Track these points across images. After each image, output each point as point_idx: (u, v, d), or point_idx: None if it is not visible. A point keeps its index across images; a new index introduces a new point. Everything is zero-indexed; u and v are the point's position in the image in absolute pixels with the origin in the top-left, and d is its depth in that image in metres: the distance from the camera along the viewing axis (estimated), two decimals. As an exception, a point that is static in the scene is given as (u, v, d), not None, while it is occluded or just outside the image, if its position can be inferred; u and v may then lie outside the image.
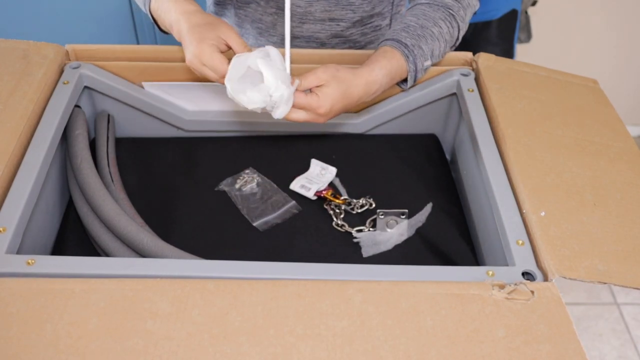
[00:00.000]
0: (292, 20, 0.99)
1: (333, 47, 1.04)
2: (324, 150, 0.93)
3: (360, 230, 0.81)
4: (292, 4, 0.96)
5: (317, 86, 0.75)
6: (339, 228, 0.82)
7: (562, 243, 0.66)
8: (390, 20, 1.08)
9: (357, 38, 1.04)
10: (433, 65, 0.89)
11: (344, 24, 1.01)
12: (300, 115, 0.76)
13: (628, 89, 2.32)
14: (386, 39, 0.84)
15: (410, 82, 0.86)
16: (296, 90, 0.74)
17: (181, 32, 0.79)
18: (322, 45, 1.03)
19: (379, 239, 0.80)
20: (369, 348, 0.56)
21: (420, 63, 0.84)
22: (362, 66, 0.80)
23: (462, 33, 0.90)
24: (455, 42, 0.90)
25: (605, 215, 0.70)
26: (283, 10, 0.97)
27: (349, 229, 0.81)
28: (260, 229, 0.81)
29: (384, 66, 0.80)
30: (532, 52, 2.14)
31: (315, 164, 0.90)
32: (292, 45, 1.02)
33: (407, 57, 0.82)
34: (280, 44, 1.02)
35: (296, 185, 0.86)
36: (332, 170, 0.89)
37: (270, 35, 1.02)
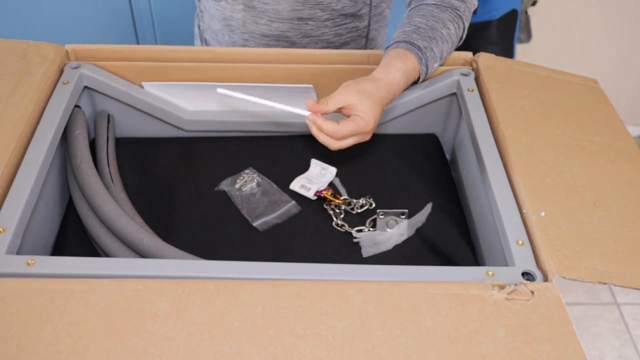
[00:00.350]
0: (261, 18, 0.99)
1: (304, 47, 1.04)
2: (324, 150, 0.92)
3: (360, 230, 0.81)
4: (259, 2, 0.97)
5: (349, 108, 0.76)
6: (339, 228, 0.82)
7: (562, 243, 0.66)
8: (369, 22, 1.07)
9: (330, 38, 1.04)
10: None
11: (313, 23, 1.01)
12: (350, 141, 0.77)
13: (628, 89, 2.32)
14: (398, 41, 0.84)
15: (418, 83, 0.86)
16: (325, 118, 0.77)
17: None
18: (293, 44, 1.03)
19: (379, 239, 0.80)
20: (369, 348, 0.56)
21: (431, 65, 0.84)
22: (378, 71, 0.80)
23: (465, 33, 0.90)
24: (459, 42, 0.90)
25: (606, 215, 0.70)
26: (250, 7, 0.98)
27: (349, 229, 0.81)
28: (260, 229, 0.81)
29: (399, 67, 0.80)
30: (532, 52, 2.14)
31: (315, 164, 0.90)
32: (263, 44, 1.03)
33: (421, 59, 0.82)
34: (250, 42, 1.03)
35: (296, 185, 0.86)
36: (332, 170, 0.89)
37: (242, 33, 1.02)
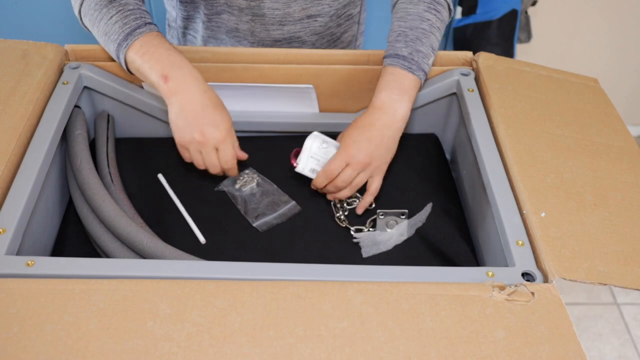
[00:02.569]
0: (271, 24, 0.99)
1: (313, 44, 1.04)
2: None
3: (360, 230, 0.81)
4: (269, 8, 0.96)
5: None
6: (340, 223, 0.82)
7: (562, 244, 0.66)
8: (361, 7, 1.08)
9: (333, 30, 1.05)
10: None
11: (321, 19, 1.01)
12: (346, 175, 0.79)
13: (628, 88, 2.31)
14: (385, 57, 0.84)
15: (423, 84, 0.86)
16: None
17: (208, 94, 0.77)
18: (303, 43, 1.03)
19: (379, 239, 0.80)
20: (369, 349, 0.56)
21: (425, 64, 0.83)
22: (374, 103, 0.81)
23: (451, 7, 0.89)
24: (449, 20, 0.90)
25: (606, 215, 0.70)
26: (259, 17, 0.97)
27: (349, 226, 0.81)
28: (260, 230, 0.81)
29: (383, 87, 0.81)
30: (532, 52, 2.14)
31: (314, 138, 0.83)
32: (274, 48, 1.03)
33: (410, 68, 0.81)
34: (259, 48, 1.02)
35: (305, 168, 0.83)
36: (334, 144, 0.84)
37: (250, 43, 1.02)
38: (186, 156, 0.80)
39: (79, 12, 0.83)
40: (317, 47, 1.05)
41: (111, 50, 0.79)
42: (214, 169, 0.80)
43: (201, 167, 0.80)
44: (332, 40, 1.06)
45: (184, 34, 1.08)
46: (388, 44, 0.85)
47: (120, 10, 0.78)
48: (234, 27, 1.00)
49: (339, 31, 1.06)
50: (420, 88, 0.84)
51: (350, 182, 0.80)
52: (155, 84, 0.76)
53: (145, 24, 0.78)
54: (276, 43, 1.02)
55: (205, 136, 0.76)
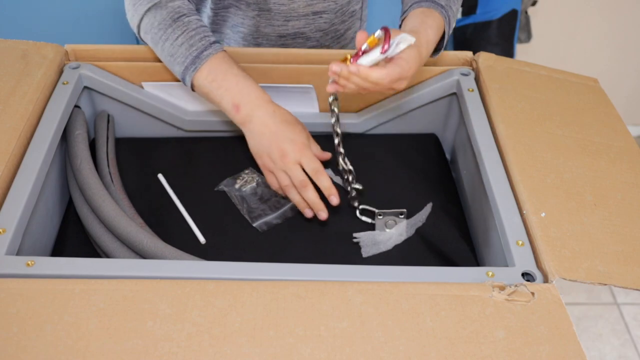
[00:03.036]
0: (276, 19, 0.99)
1: (317, 40, 1.04)
2: (324, 150, 0.93)
3: (366, 211, 0.81)
4: (275, 3, 0.96)
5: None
6: (352, 201, 0.82)
7: (562, 244, 0.66)
8: (362, 3, 1.08)
9: (337, 27, 1.05)
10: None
11: (326, 16, 1.01)
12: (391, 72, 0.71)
13: (628, 88, 2.31)
14: (418, 1, 0.82)
15: (441, 48, 0.85)
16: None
17: (278, 114, 0.78)
18: (307, 40, 1.03)
19: (379, 239, 0.80)
20: (369, 349, 0.56)
21: (452, 24, 0.83)
22: (415, 26, 0.79)
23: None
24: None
25: (606, 215, 0.70)
26: (265, 12, 0.97)
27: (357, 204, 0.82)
28: (260, 230, 0.81)
29: (431, 25, 0.80)
30: (532, 52, 2.14)
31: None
32: (279, 44, 1.02)
33: (445, 17, 0.81)
34: (265, 46, 1.03)
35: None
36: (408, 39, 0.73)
37: (254, 38, 1.02)
38: (273, 183, 0.79)
39: (138, 27, 0.84)
40: (321, 44, 1.05)
41: (176, 71, 0.80)
42: (304, 184, 0.77)
43: (291, 190, 0.78)
44: (336, 37, 1.06)
45: None
46: None
47: (185, 31, 0.79)
48: (240, 22, 1.00)
49: (343, 28, 1.06)
50: (437, 50, 0.84)
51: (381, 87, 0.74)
52: (228, 113, 0.79)
53: (211, 44, 0.79)
54: (280, 39, 1.02)
55: (284, 153, 0.76)
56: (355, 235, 0.80)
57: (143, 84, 0.91)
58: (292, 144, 0.76)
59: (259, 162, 0.79)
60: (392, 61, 0.73)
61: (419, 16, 0.81)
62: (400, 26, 0.85)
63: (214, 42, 0.80)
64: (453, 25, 0.85)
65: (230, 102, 0.77)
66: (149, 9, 0.81)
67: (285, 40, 1.02)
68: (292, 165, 0.77)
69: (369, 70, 0.71)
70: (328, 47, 1.06)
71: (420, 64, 0.76)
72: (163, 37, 0.80)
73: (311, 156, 0.78)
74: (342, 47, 1.09)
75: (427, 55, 0.80)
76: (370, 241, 0.80)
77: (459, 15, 1.87)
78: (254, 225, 0.82)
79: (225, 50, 0.81)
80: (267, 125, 0.77)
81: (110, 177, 0.83)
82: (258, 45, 1.03)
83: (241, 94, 0.77)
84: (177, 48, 0.79)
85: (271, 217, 0.83)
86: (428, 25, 0.80)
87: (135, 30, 0.85)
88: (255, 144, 0.78)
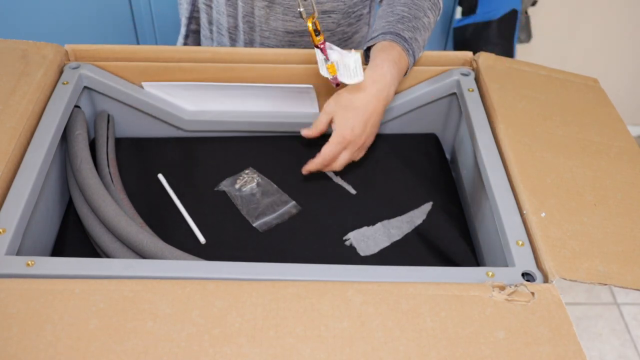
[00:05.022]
0: (285, 14, 0.99)
1: (325, 41, 1.04)
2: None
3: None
4: None
5: (332, 123, 0.82)
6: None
7: (562, 244, 0.66)
8: (370, 9, 1.09)
9: (345, 29, 1.05)
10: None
11: (334, 16, 1.01)
12: (342, 158, 0.82)
13: (628, 88, 2.31)
14: (383, 33, 0.84)
15: (405, 75, 0.87)
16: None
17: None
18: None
19: (368, 233, 0.80)
20: (369, 349, 0.55)
21: (417, 55, 0.85)
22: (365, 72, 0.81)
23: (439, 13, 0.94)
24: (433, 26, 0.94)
25: (606, 215, 0.70)
26: (275, 3, 0.97)
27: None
28: (260, 230, 0.81)
29: (385, 58, 0.82)
30: (532, 52, 2.14)
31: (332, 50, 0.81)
32: (286, 42, 1.02)
33: (407, 50, 0.83)
34: (273, 39, 1.02)
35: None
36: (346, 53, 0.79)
37: (262, 30, 1.02)
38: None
39: None
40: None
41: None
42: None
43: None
44: (343, 39, 1.06)
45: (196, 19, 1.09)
46: (386, 23, 0.86)
47: None
48: (250, 11, 1.00)
49: (351, 31, 1.06)
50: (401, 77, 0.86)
51: (345, 162, 0.83)
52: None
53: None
54: (287, 35, 1.02)
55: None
56: (344, 237, 0.80)
57: (143, 84, 0.90)
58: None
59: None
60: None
61: (376, 53, 0.84)
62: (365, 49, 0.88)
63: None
64: (418, 54, 0.86)
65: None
66: None
67: (292, 37, 1.02)
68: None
69: (311, 162, 0.82)
70: None
71: (361, 120, 0.80)
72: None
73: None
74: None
75: (386, 87, 0.81)
76: (361, 237, 0.80)
77: (459, 15, 1.87)
78: (254, 225, 0.82)
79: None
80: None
81: (110, 177, 0.83)
82: (266, 38, 1.03)
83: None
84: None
85: (271, 217, 0.83)
86: (381, 60, 0.82)
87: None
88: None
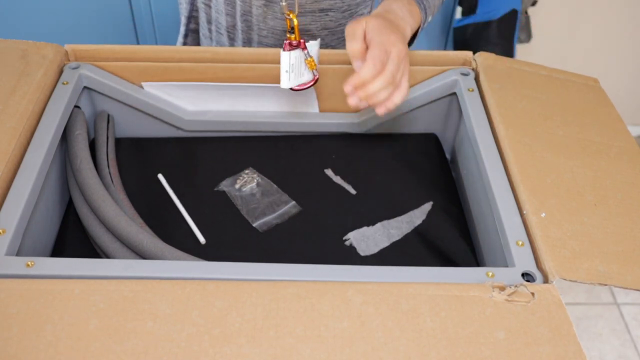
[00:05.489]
0: (282, 12, 0.99)
1: (324, 40, 1.04)
2: (324, 150, 0.93)
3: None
4: None
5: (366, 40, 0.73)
6: None
7: (562, 244, 0.66)
8: (371, 9, 1.08)
9: (344, 28, 1.05)
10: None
11: (332, 14, 1.01)
12: (400, 69, 0.72)
13: (628, 88, 2.31)
14: None
15: (418, 32, 0.85)
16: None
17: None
18: (313, 38, 1.03)
19: (367, 233, 0.80)
20: (369, 349, 0.55)
21: (429, 15, 0.83)
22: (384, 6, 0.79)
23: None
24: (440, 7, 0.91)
25: (606, 215, 0.70)
26: (272, 3, 0.97)
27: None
28: (260, 230, 0.81)
29: (398, 1, 0.80)
30: (532, 52, 2.14)
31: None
32: (284, 39, 1.02)
33: (419, 4, 0.81)
34: (271, 38, 1.02)
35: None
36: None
37: (260, 29, 1.02)
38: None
39: None
40: (327, 43, 1.05)
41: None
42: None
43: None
44: (343, 38, 1.06)
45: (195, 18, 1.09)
46: None
47: None
48: (247, 10, 1.00)
49: None
50: (414, 36, 0.83)
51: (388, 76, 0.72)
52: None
53: None
54: (285, 33, 1.02)
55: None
56: (344, 237, 0.81)
57: (143, 84, 0.90)
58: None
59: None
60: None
61: (388, 2, 0.81)
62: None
63: None
64: (430, 11, 0.84)
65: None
66: None
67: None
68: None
69: (356, 74, 0.70)
70: (334, 47, 1.06)
71: (397, 29, 0.74)
72: None
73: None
74: None
75: (407, 25, 0.77)
76: (361, 237, 0.80)
77: (459, 16, 1.87)
78: (254, 225, 0.82)
79: None
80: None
81: (110, 177, 0.83)
82: (264, 37, 1.03)
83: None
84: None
85: (271, 217, 0.83)
86: (394, 1, 0.79)
87: None
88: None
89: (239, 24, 1.03)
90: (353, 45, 0.73)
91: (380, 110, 0.75)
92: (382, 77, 0.70)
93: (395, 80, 0.71)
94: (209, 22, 1.07)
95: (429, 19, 0.84)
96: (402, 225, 0.82)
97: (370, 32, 0.72)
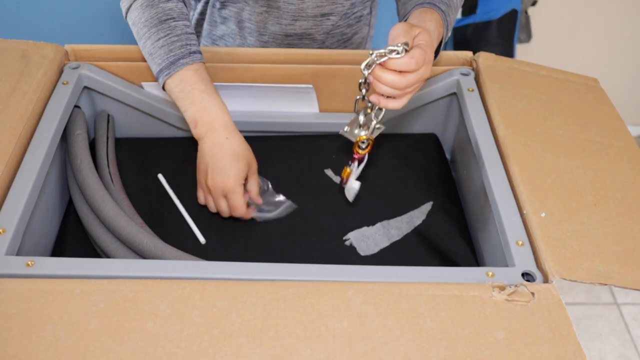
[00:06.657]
0: (284, 18, 0.99)
1: (323, 42, 1.04)
2: (324, 150, 0.93)
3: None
4: (284, 2, 0.96)
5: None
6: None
7: (562, 244, 0.66)
8: (371, 10, 1.08)
9: (343, 30, 1.05)
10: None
11: (334, 18, 1.01)
12: (424, 71, 0.70)
13: (628, 88, 2.31)
14: (421, 3, 0.82)
15: (438, 50, 0.85)
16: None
17: (230, 142, 0.78)
18: (313, 41, 1.03)
19: (367, 233, 0.80)
20: (369, 349, 0.55)
21: (450, 30, 0.83)
22: (417, 22, 0.78)
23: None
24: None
25: (606, 215, 0.70)
26: (273, 8, 0.97)
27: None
28: (257, 220, 0.82)
29: (431, 19, 0.79)
30: (532, 52, 2.14)
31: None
32: (285, 43, 1.02)
33: (443, 20, 0.81)
34: (271, 44, 1.02)
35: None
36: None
37: (261, 35, 1.02)
38: (200, 198, 0.82)
39: (126, 12, 0.85)
40: (327, 46, 1.05)
41: (153, 70, 0.81)
42: (223, 214, 0.80)
43: (213, 210, 0.81)
44: (342, 40, 1.06)
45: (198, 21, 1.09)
46: None
47: (168, 35, 0.79)
48: (247, 17, 1.00)
49: (350, 32, 1.06)
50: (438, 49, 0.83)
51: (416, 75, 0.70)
52: (189, 124, 0.80)
53: (190, 53, 0.79)
54: (287, 38, 1.02)
55: (214, 184, 0.78)
56: (344, 237, 0.80)
57: (143, 84, 0.90)
58: (226, 179, 0.77)
59: (197, 174, 0.81)
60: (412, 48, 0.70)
61: (419, 13, 0.80)
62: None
63: (194, 52, 0.80)
64: (450, 30, 0.84)
65: (191, 116, 0.78)
66: (141, 5, 0.82)
67: (291, 40, 1.02)
68: (218, 197, 0.79)
69: (393, 61, 0.67)
70: (333, 49, 1.06)
71: (432, 50, 0.73)
72: (147, 34, 0.81)
73: (238, 198, 0.78)
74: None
75: (434, 47, 0.76)
76: (361, 237, 0.80)
77: (459, 15, 1.87)
78: (252, 216, 0.82)
79: (203, 62, 0.80)
80: (213, 150, 0.78)
81: (110, 177, 0.83)
82: (264, 43, 1.03)
83: (202, 112, 0.78)
84: (157, 50, 0.79)
85: (270, 215, 0.83)
86: (428, 19, 0.79)
87: (123, 14, 0.86)
88: (199, 162, 0.80)
89: (240, 30, 1.03)
90: (403, 36, 0.69)
91: (371, 97, 0.73)
92: (404, 77, 0.69)
93: (405, 90, 0.71)
94: (211, 31, 1.07)
95: (448, 35, 0.85)
96: (402, 225, 0.82)
97: (419, 42, 0.70)
